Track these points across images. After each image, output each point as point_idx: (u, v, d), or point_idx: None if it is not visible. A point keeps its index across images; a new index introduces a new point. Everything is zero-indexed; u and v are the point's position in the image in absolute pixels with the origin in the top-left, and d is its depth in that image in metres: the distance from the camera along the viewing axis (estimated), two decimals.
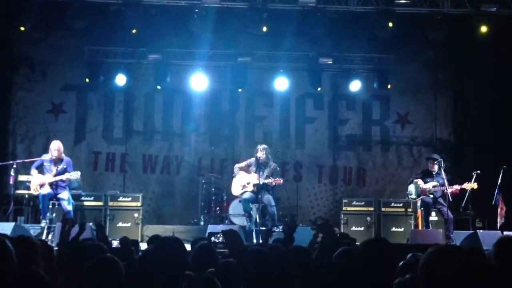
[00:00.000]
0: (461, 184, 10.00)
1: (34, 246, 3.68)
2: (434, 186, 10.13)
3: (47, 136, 12.59)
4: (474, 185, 9.84)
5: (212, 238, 8.41)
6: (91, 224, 9.29)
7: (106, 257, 3.48)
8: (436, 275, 2.22)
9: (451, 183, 10.09)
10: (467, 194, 10.17)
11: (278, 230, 9.03)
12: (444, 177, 10.00)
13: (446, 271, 2.20)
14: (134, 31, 11.41)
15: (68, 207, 9.83)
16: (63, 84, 12.91)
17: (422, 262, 2.31)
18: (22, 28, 10.99)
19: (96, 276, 3.28)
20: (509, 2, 10.86)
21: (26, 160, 11.00)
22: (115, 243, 6.20)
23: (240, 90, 12.73)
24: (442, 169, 10.10)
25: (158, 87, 12.64)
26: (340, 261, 4.01)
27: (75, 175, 9.90)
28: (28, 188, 10.44)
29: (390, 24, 10.97)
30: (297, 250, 4.83)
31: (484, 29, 10.82)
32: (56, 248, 5.38)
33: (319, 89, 12.70)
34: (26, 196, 10.85)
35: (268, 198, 10.29)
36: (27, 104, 12.85)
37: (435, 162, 10.29)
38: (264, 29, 11.14)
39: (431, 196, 10.13)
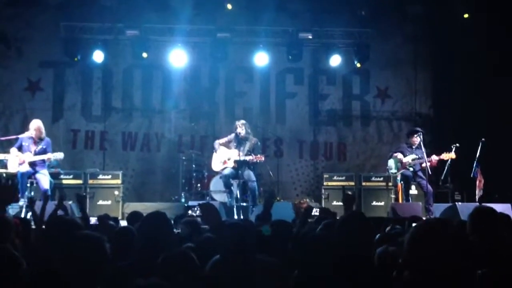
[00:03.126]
0: (439, 155, 10.05)
1: (7, 224, 3.63)
2: (413, 159, 10.17)
3: (24, 114, 12.45)
4: (452, 155, 9.88)
5: (190, 212, 8.37)
6: (70, 202, 9.26)
7: (87, 234, 3.40)
8: (422, 251, 2.21)
9: (429, 156, 10.13)
10: (446, 167, 10.24)
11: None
12: (423, 150, 10.03)
13: (432, 246, 2.19)
14: None
15: (46, 185, 9.73)
16: (40, 61, 12.70)
17: (408, 238, 2.30)
18: None
19: (79, 253, 3.21)
20: None
21: (2, 138, 10.84)
22: (93, 220, 6.14)
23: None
24: (421, 142, 10.12)
25: (144, 54, 12.22)
26: (322, 233, 4.04)
27: (58, 155, 9.79)
28: (5, 166, 10.30)
29: None
30: (277, 224, 4.85)
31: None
32: (33, 226, 5.31)
33: (290, 57, 12.45)
34: (4, 174, 10.68)
35: (248, 173, 10.27)
36: (3, 81, 12.64)
37: (417, 135, 10.27)
38: (229, 6, 10.96)
39: (411, 169, 10.18)
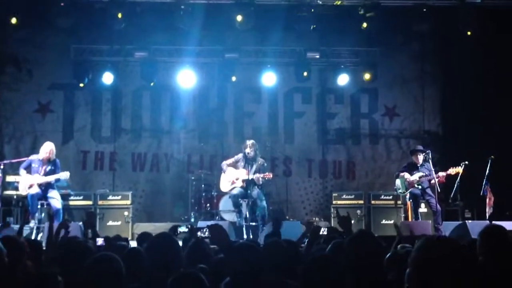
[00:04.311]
0: (445, 170, 10.01)
1: (19, 246, 3.66)
2: (420, 177, 10.14)
3: (34, 136, 12.57)
4: (459, 169, 9.83)
5: (198, 233, 8.37)
6: (80, 223, 9.27)
7: (103, 255, 3.42)
8: (425, 267, 2.21)
9: (436, 173, 10.08)
10: (455, 185, 10.20)
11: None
12: (431, 167, 10.01)
13: (435, 263, 2.19)
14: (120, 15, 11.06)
15: (57, 205, 9.80)
16: (50, 83, 12.83)
17: (413, 255, 2.29)
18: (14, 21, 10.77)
19: (96, 275, 3.21)
20: None
21: (13, 161, 10.96)
22: (100, 241, 6.15)
23: (234, 78, 12.47)
24: (430, 160, 10.10)
25: (152, 83, 12.48)
26: (330, 253, 4.03)
27: (64, 175, 9.87)
28: (17, 188, 10.39)
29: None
30: (286, 244, 4.84)
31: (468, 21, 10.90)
32: (44, 248, 5.33)
33: (305, 73, 12.48)
34: (15, 196, 10.77)
35: (257, 193, 10.30)
36: (14, 104, 12.76)
37: (419, 153, 10.29)
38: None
39: (419, 187, 10.14)
